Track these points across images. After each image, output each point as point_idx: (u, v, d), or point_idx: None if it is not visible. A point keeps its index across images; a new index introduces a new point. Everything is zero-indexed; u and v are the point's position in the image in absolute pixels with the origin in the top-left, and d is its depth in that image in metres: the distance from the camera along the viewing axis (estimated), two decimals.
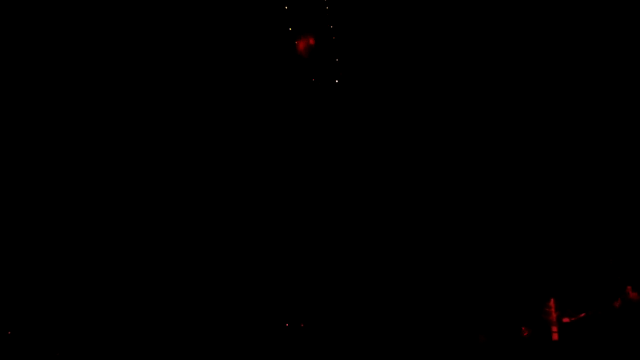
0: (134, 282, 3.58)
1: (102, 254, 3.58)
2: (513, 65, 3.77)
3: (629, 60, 3.67)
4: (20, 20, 3.52)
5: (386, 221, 3.73)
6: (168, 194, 3.66)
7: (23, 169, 3.53)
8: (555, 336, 3.61)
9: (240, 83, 3.74)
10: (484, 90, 3.78)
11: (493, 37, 3.75)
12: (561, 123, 3.73)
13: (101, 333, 3.50)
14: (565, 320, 3.62)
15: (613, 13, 3.67)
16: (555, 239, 3.72)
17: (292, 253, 3.71)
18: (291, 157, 3.74)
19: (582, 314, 3.61)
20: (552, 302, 3.65)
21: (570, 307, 3.63)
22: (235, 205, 3.70)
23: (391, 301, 3.69)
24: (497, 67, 3.77)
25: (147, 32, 3.63)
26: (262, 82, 3.75)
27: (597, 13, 3.69)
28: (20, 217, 3.52)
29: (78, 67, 3.59)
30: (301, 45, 3.74)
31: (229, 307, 3.64)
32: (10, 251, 3.49)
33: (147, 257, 3.63)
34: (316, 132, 3.76)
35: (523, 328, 3.64)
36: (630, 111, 3.69)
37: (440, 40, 3.76)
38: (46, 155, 3.56)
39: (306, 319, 3.62)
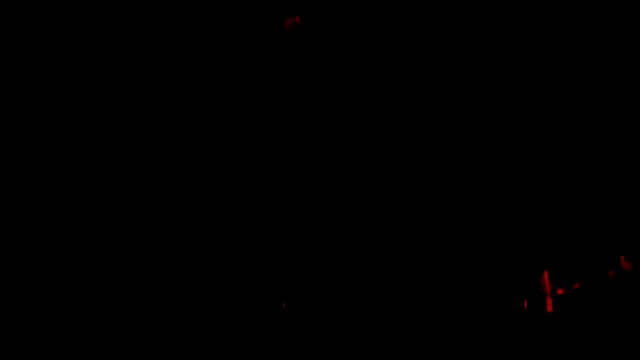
0: (132, 281, 3.60)
1: (101, 254, 3.60)
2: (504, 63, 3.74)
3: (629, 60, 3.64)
4: (20, 20, 3.53)
5: (372, 189, 3.73)
6: (167, 191, 3.68)
7: (23, 169, 3.54)
8: (549, 308, 3.62)
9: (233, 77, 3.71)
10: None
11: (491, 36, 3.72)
12: (553, 98, 3.71)
13: (100, 333, 3.52)
14: (560, 292, 3.63)
15: (613, 13, 3.63)
16: (547, 211, 3.71)
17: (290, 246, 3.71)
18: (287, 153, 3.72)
19: (576, 285, 3.62)
20: (545, 274, 3.66)
21: (564, 279, 3.64)
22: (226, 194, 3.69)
23: (382, 274, 3.71)
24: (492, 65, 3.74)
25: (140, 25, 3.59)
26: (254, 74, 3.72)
27: (597, 13, 3.65)
28: (20, 217, 3.53)
29: (78, 67, 3.61)
30: (287, 23, 3.70)
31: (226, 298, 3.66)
32: (10, 251, 3.50)
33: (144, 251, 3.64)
34: (311, 128, 3.75)
35: (517, 300, 3.66)
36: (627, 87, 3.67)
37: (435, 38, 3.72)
38: (46, 155, 3.57)
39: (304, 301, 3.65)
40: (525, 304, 3.64)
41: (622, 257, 3.58)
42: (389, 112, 3.74)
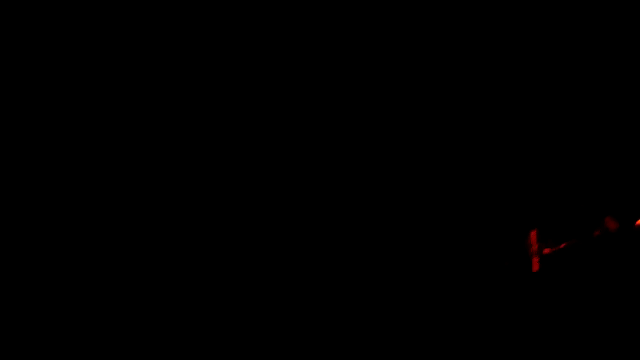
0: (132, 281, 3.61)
1: (102, 254, 3.60)
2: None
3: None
4: (20, 21, 3.56)
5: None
6: (167, 191, 3.71)
7: (23, 169, 3.55)
8: (536, 267, 3.67)
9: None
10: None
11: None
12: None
13: (100, 333, 3.51)
14: (546, 251, 3.66)
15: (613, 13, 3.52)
16: (535, 171, 3.73)
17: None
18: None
19: (563, 245, 3.64)
20: (533, 234, 3.70)
21: (551, 239, 3.67)
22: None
23: (370, 241, 3.88)
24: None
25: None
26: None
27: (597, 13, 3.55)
28: (21, 217, 3.53)
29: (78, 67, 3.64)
30: None
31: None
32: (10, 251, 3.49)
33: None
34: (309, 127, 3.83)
35: (505, 260, 3.73)
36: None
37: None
38: (46, 156, 3.58)
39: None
40: (512, 264, 3.71)
41: (608, 217, 3.54)
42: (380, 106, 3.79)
